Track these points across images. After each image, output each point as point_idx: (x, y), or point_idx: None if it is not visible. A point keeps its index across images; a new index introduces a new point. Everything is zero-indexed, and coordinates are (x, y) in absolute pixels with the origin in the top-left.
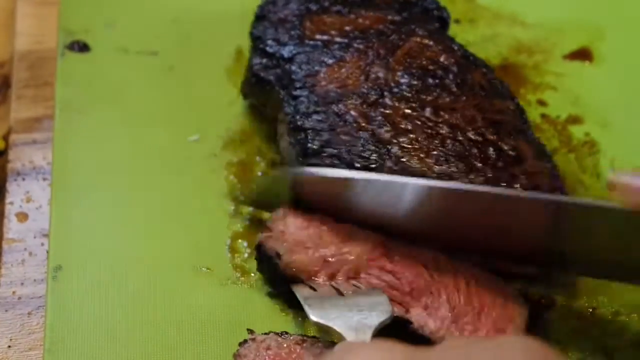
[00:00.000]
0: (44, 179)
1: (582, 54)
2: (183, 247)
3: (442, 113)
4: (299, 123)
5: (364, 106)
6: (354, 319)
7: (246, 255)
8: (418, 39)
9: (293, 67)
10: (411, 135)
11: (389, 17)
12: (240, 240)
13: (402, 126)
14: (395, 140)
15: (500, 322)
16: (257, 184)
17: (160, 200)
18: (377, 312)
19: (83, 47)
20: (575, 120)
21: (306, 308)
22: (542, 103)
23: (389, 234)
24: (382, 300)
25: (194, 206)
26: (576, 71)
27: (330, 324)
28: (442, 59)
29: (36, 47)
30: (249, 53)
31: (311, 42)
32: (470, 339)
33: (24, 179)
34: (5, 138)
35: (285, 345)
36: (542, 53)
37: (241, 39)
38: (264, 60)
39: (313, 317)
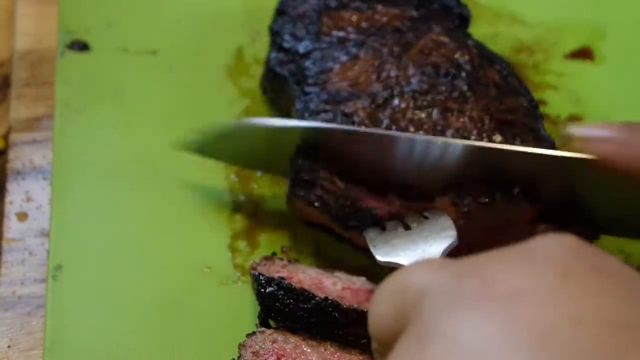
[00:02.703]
0: (44, 179)
1: (583, 54)
2: (183, 246)
3: (449, 116)
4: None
5: (373, 107)
6: (418, 251)
7: (246, 254)
8: (433, 36)
9: (307, 63)
10: None
11: (407, 14)
12: (240, 240)
13: (409, 131)
14: None
15: None
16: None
17: (161, 199)
18: (442, 239)
19: (83, 47)
20: (575, 119)
21: (372, 250)
22: (542, 102)
23: None
24: (447, 225)
25: (194, 205)
26: (577, 70)
27: (396, 260)
28: (456, 57)
29: (36, 47)
30: (249, 52)
31: (327, 39)
32: (503, 248)
33: (24, 179)
34: (5, 137)
35: (292, 340)
36: (543, 52)
37: (242, 38)
38: (280, 55)
39: (379, 257)
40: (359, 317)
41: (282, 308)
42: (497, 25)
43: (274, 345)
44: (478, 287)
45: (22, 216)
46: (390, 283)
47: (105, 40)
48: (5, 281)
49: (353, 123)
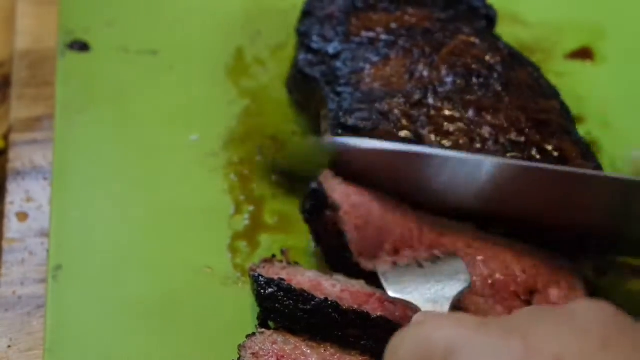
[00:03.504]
0: (44, 179)
1: (583, 54)
2: (183, 246)
3: (485, 114)
4: (342, 120)
5: (408, 106)
6: (431, 291)
7: (246, 254)
8: (464, 38)
9: (338, 64)
10: (453, 137)
11: (435, 15)
12: (240, 240)
13: (445, 127)
14: (437, 142)
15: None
16: (292, 149)
17: (161, 199)
18: (455, 282)
19: (83, 47)
20: (576, 119)
21: (384, 283)
22: None
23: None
24: (460, 268)
25: (194, 206)
26: (577, 71)
27: (407, 297)
28: (487, 58)
29: (36, 47)
30: (249, 52)
31: (357, 39)
32: (542, 308)
33: (24, 179)
34: (6, 137)
35: (292, 341)
36: (543, 52)
37: (242, 38)
38: (309, 57)
39: (390, 292)
40: (358, 318)
41: (281, 309)
42: (498, 26)
43: (273, 346)
44: (522, 351)
45: (22, 216)
46: (410, 337)
47: (106, 40)
48: (6, 281)
49: (388, 120)
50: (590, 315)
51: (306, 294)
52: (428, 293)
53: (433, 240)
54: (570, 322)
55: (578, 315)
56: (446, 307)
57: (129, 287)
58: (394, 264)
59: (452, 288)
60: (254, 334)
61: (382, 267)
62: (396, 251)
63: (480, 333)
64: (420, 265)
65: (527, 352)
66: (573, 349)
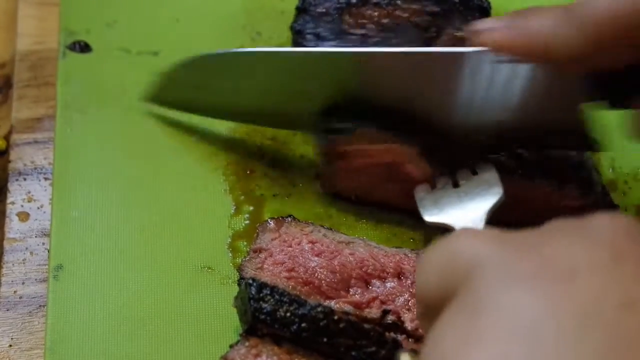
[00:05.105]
0: (45, 179)
1: None
2: (183, 246)
3: None
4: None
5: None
6: (466, 210)
7: (246, 254)
8: (454, 32)
9: None
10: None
11: (428, 9)
12: (240, 240)
13: None
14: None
15: None
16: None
17: (161, 199)
18: (489, 196)
19: (84, 48)
20: None
21: (420, 210)
22: None
23: None
24: (494, 181)
25: (194, 205)
26: None
27: (444, 220)
28: None
29: (37, 48)
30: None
31: (349, 37)
32: (563, 221)
33: (25, 179)
34: (7, 138)
35: (276, 354)
36: None
37: (242, 38)
38: None
39: (427, 218)
40: (350, 327)
41: (273, 312)
42: None
43: (257, 359)
44: (537, 265)
45: (24, 216)
46: (439, 249)
47: (107, 41)
48: (7, 281)
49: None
50: (604, 225)
51: (300, 299)
52: (463, 213)
53: (396, 268)
54: (583, 234)
55: (592, 226)
56: (481, 223)
57: (129, 287)
58: (432, 187)
59: (485, 203)
60: (237, 342)
61: (419, 192)
62: (363, 285)
63: (502, 250)
64: (456, 185)
65: (541, 269)
66: (585, 264)
